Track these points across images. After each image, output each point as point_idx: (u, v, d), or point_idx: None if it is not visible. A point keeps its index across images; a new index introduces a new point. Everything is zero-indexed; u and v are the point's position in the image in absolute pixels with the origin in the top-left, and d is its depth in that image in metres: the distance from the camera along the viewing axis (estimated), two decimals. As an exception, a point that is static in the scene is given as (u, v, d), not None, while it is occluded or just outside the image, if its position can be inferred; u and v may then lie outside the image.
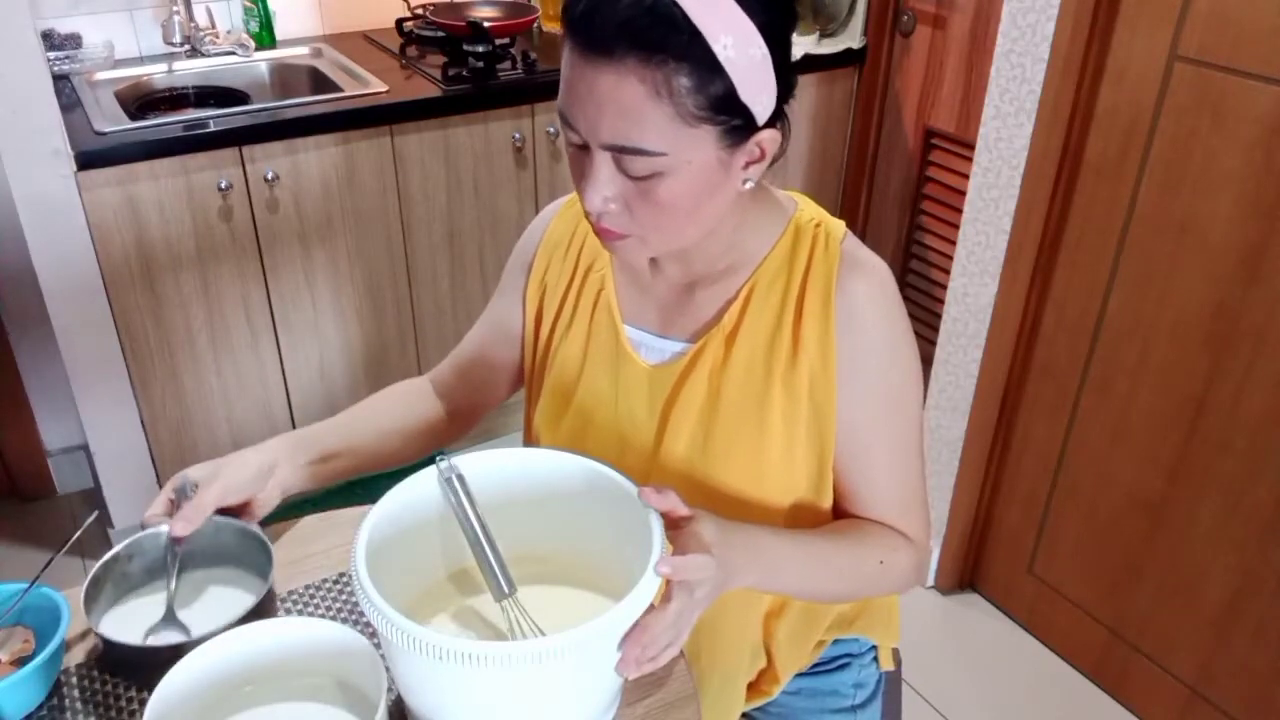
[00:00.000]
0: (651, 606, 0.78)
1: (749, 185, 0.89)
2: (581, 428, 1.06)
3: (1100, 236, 1.79)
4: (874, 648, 1.18)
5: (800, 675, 1.14)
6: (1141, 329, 1.76)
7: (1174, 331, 1.71)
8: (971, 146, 1.97)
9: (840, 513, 1.03)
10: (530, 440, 1.15)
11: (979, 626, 2.18)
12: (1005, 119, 1.84)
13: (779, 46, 0.82)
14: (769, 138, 0.86)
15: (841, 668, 1.16)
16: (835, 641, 1.15)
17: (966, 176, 1.97)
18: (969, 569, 2.25)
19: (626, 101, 0.79)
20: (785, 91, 0.85)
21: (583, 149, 0.85)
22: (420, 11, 2.55)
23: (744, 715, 1.14)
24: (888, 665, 1.19)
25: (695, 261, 0.98)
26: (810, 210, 0.99)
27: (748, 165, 0.87)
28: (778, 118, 0.87)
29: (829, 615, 1.11)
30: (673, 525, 0.83)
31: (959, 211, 2.01)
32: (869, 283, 0.95)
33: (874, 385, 0.95)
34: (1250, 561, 1.68)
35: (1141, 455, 1.81)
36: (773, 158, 0.89)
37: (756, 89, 0.82)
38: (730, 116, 0.82)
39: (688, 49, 0.78)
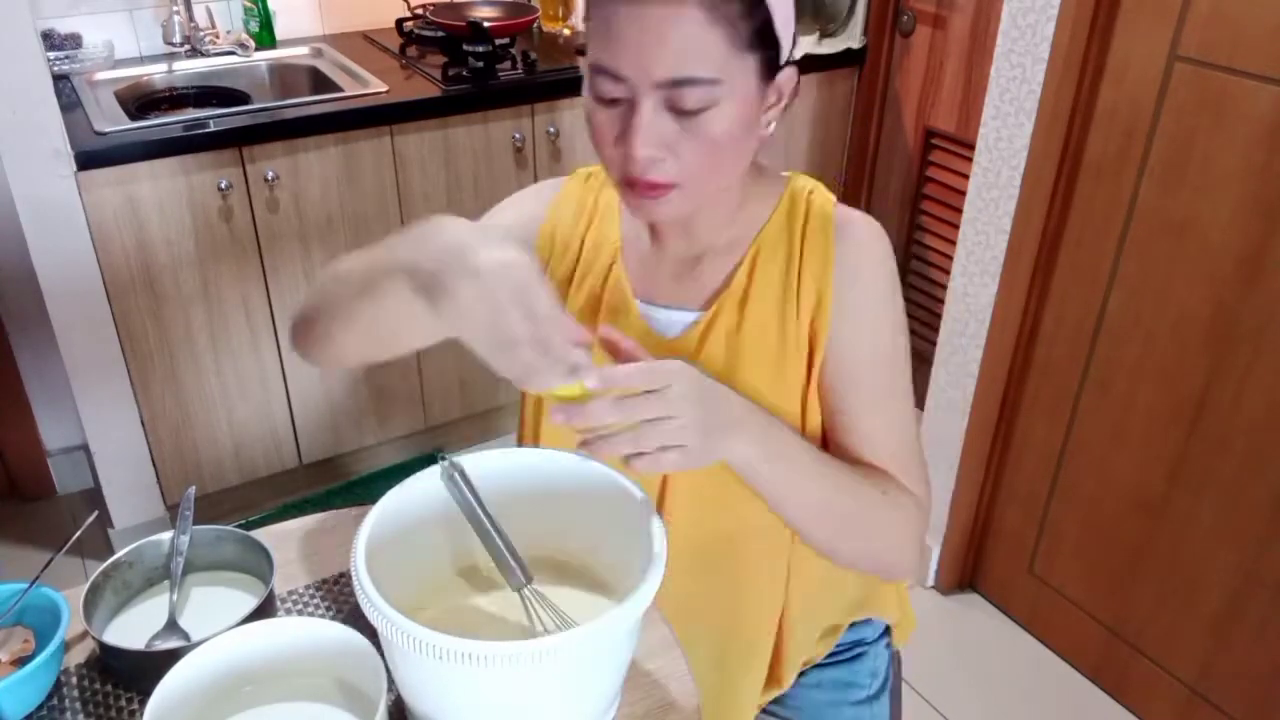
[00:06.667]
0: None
1: (771, 129, 0.92)
2: None
3: (1100, 236, 1.79)
4: (885, 633, 1.19)
5: (818, 667, 1.15)
6: (1141, 329, 1.76)
7: (1174, 331, 1.71)
8: (971, 146, 1.97)
9: None
10: (527, 427, 1.13)
11: (979, 626, 2.18)
12: (1005, 119, 1.84)
13: None
14: (787, 78, 0.90)
15: (857, 657, 1.17)
16: (850, 627, 1.15)
17: (966, 176, 1.97)
18: (969, 569, 2.25)
19: (685, 30, 0.81)
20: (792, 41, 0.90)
21: (617, 103, 0.86)
22: (420, 11, 2.55)
23: (763, 712, 1.14)
24: (901, 642, 1.21)
25: (701, 233, 0.99)
26: (803, 181, 1.03)
27: (768, 109, 0.91)
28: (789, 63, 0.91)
29: (843, 593, 1.12)
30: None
31: (959, 211, 2.01)
32: (864, 234, 0.98)
33: (869, 331, 0.97)
34: (1250, 561, 1.68)
35: (1141, 455, 1.81)
36: (786, 104, 0.92)
37: (785, 21, 0.87)
38: (767, 49, 0.86)
39: None
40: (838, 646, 1.15)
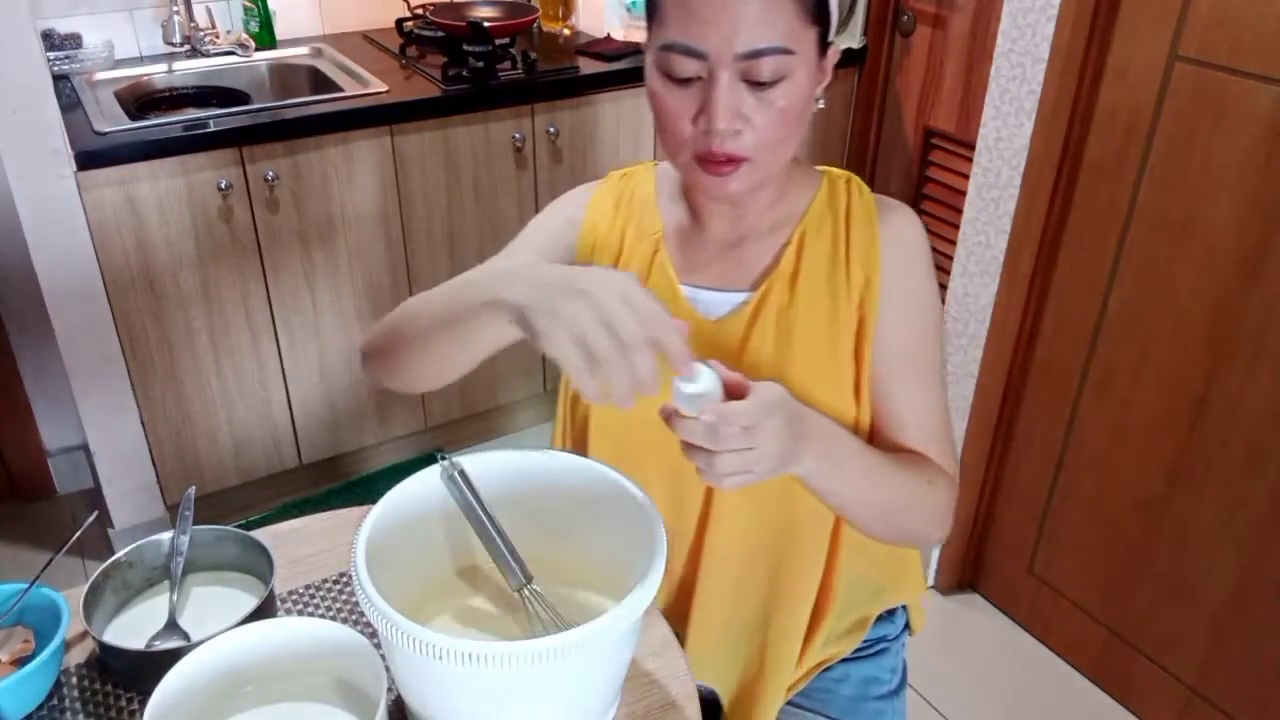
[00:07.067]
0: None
1: (820, 105, 0.96)
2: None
3: (1100, 236, 1.79)
4: (905, 628, 1.22)
5: (844, 661, 1.16)
6: (1141, 329, 1.76)
7: (1174, 331, 1.71)
8: (971, 146, 1.97)
9: (873, 443, 1.04)
10: (575, 424, 1.13)
11: (979, 626, 2.18)
12: (1005, 119, 1.84)
13: None
14: (832, 55, 0.94)
15: (881, 653, 1.18)
16: (875, 623, 1.16)
17: (966, 176, 1.97)
18: (969, 569, 2.25)
19: (763, 1, 0.85)
20: None
21: (689, 83, 0.89)
22: (420, 11, 2.55)
23: (789, 705, 1.15)
24: (919, 625, 1.23)
25: (748, 215, 1.02)
26: (837, 170, 1.06)
27: (817, 85, 0.94)
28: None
29: (870, 576, 1.12)
30: (738, 393, 0.81)
31: (959, 211, 2.01)
32: (904, 215, 1.03)
33: (910, 309, 1.00)
34: (1250, 561, 1.68)
35: (1141, 455, 1.81)
36: (828, 83, 0.96)
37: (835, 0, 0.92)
38: (822, 24, 0.90)
39: None
40: (864, 642, 1.17)
